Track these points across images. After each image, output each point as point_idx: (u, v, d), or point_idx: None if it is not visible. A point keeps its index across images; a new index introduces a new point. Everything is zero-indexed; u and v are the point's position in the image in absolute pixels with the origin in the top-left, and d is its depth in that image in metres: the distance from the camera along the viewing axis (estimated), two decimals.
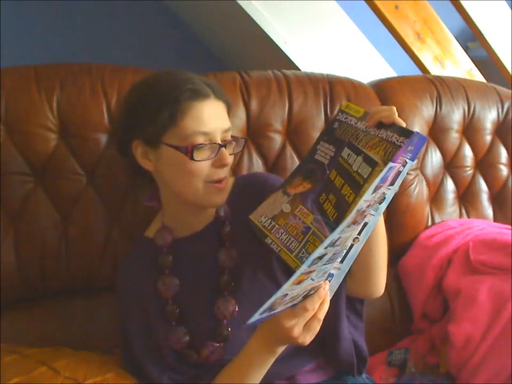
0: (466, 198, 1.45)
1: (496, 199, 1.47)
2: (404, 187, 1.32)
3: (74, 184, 1.10)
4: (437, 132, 1.39)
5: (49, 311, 1.14)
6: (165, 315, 0.94)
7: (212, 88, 0.90)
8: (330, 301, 0.80)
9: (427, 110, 1.36)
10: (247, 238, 0.94)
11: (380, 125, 0.77)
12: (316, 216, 0.77)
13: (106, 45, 2.53)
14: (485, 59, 2.18)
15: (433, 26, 2.00)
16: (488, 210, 1.46)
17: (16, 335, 1.08)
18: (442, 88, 1.40)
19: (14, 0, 2.34)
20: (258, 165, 1.21)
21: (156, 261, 0.97)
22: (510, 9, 2.10)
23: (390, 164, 0.69)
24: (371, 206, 0.73)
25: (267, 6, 1.97)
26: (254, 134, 1.21)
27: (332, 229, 0.73)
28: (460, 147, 1.42)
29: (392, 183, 0.74)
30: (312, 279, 0.73)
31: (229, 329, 0.93)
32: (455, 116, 1.40)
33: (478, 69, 2.12)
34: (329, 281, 0.79)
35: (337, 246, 0.72)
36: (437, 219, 1.39)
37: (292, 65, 2.04)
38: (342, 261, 0.79)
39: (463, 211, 1.44)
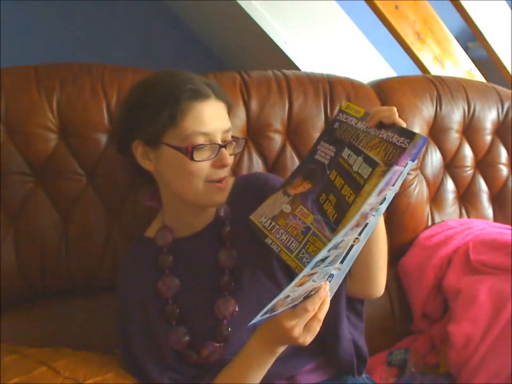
0: (466, 198, 1.45)
1: (496, 199, 1.47)
2: (404, 187, 1.32)
3: (74, 184, 1.10)
4: (437, 132, 1.39)
5: (49, 311, 1.14)
6: (165, 315, 0.94)
7: (212, 89, 0.90)
8: (331, 301, 0.80)
9: (427, 110, 1.36)
10: (247, 238, 0.94)
11: (380, 125, 0.77)
12: (316, 216, 0.77)
13: (106, 45, 2.53)
14: (485, 59, 2.18)
15: (433, 26, 2.00)
16: (488, 210, 1.46)
17: (16, 335, 1.08)
18: (442, 88, 1.40)
19: (14, 0, 2.34)
20: (258, 165, 1.21)
21: (156, 261, 0.97)
22: (510, 9, 2.10)
23: (395, 168, 0.69)
24: (374, 208, 0.73)
25: (267, 6, 1.97)
26: (254, 134, 1.21)
27: (332, 229, 0.73)
28: (460, 147, 1.42)
29: (392, 184, 0.74)
30: (314, 281, 0.73)
31: (229, 329, 0.93)
32: (455, 116, 1.40)
33: (478, 69, 2.12)
34: (330, 281, 0.79)
35: (339, 248, 0.72)
36: (437, 219, 1.39)
37: (291, 65, 2.04)
38: (342, 261, 0.79)
39: (463, 211, 1.44)
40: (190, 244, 0.98)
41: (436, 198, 1.40)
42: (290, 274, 0.95)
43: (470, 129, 1.43)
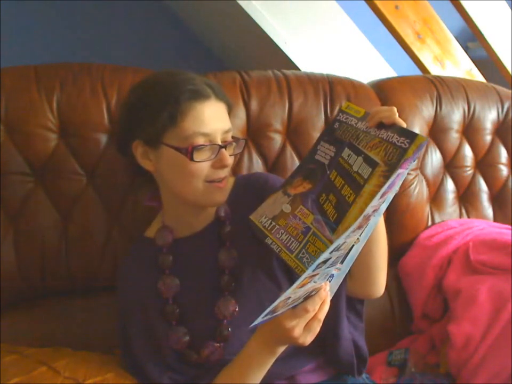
0: (466, 198, 1.45)
1: (496, 199, 1.47)
2: (404, 187, 1.32)
3: (74, 184, 1.10)
4: (437, 132, 1.39)
5: (49, 311, 1.14)
6: (165, 315, 0.94)
7: (212, 89, 0.90)
8: (331, 301, 0.80)
9: (427, 110, 1.36)
10: (247, 238, 0.94)
11: (380, 125, 0.77)
12: (316, 216, 0.77)
13: (106, 45, 2.53)
14: (485, 59, 2.18)
15: (433, 26, 2.00)
16: (488, 210, 1.46)
17: (16, 335, 1.08)
18: (442, 88, 1.40)
19: (14, 0, 2.34)
20: (258, 165, 1.21)
21: (156, 261, 0.97)
22: (510, 9, 2.10)
23: (398, 170, 0.69)
24: (376, 210, 0.73)
25: (267, 6, 1.97)
26: (254, 134, 1.21)
27: (332, 229, 0.73)
28: (460, 147, 1.42)
29: (395, 186, 0.74)
30: (315, 282, 0.73)
31: (229, 329, 0.93)
32: (455, 116, 1.40)
33: (478, 69, 2.12)
34: (330, 281, 0.79)
35: (341, 250, 0.72)
36: (437, 219, 1.39)
37: (291, 65, 2.04)
38: (342, 262, 0.79)
39: (463, 211, 1.44)
40: (190, 243, 0.98)
41: (435, 198, 1.40)
42: (290, 275, 0.95)
43: (470, 129, 1.43)
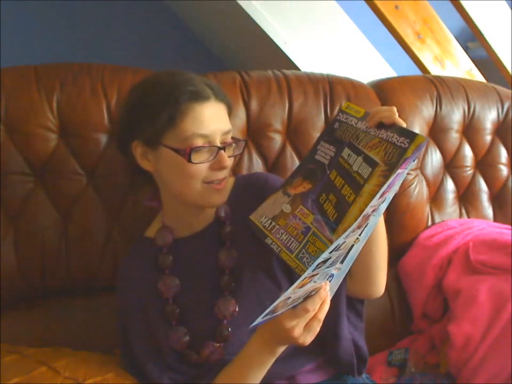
0: (466, 198, 1.45)
1: (496, 199, 1.47)
2: (404, 187, 1.32)
3: (74, 184, 1.10)
4: (437, 132, 1.39)
5: (49, 311, 1.14)
6: (165, 315, 0.94)
7: (212, 90, 0.89)
8: (331, 301, 0.80)
9: (427, 110, 1.36)
10: (247, 238, 0.94)
11: (380, 125, 0.77)
12: (316, 216, 0.77)
13: (106, 45, 2.53)
14: (485, 59, 2.18)
15: (433, 26, 2.00)
16: (488, 210, 1.46)
17: (16, 335, 1.08)
18: (442, 88, 1.40)
19: (14, 0, 2.34)
20: (258, 165, 1.21)
21: (156, 261, 0.97)
22: (510, 9, 2.10)
23: (398, 170, 0.69)
24: (376, 210, 0.73)
25: (267, 6, 1.97)
26: (254, 134, 1.21)
27: (332, 229, 0.73)
28: (460, 147, 1.42)
29: (394, 186, 0.74)
30: (315, 282, 0.73)
31: (229, 329, 0.92)
32: (455, 116, 1.40)
33: (478, 69, 2.12)
34: (330, 281, 0.79)
35: (341, 250, 0.72)
36: (437, 219, 1.39)
37: (291, 65, 2.04)
38: (342, 261, 0.79)
39: (463, 211, 1.44)
40: (190, 244, 0.98)
41: (436, 198, 1.40)
42: (290, 275, 0.95)
43: (470, 129, 1.43)
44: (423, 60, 1.99)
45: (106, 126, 1.10)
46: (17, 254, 1.08)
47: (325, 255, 0.69)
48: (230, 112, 0.95)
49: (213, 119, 0.87)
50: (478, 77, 2.10)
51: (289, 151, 1.23)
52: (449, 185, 1.42)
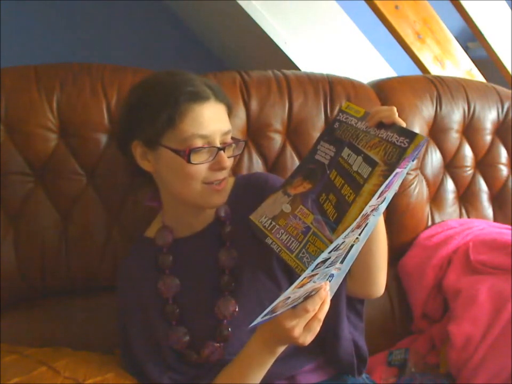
0: (466, 198, 1.45)
1: (496, 199, 1.47)
2: (404, 187, 1.32)
3: (74, 184, 1.10)
4: (437, 132, 1.39)
5: (49, 311, 1.14)
6: (165, 315, 0.94)
7: (212, 90, 0.89)
8: (331, 301, 0.80)
9: (427, 110, 1.36)
10: (247, 238, 0.94)
11: (380, 125, 0.77)
12: (316, 216, 0.77)
13: (106, 45, 2.53)
14: (485, 59, 2.18)
15: (433, 26, 2.00)
16: (488, 210, 1.46)
17: (16, 335, 1.08)
18: (442, 88, 1.40)
19: (14, 0, 2.34)
20: (258, 165, 1.21)
21: (156, 261, 0.97)
22: (510, 9, 2.10)
23: (396, 170, 0.69)
24: (375, 209, 0.73)
25: (267, 6, 1.97)
26: (254, 134, 1.21)
27: (332, 229, 0.73)
28: (460, 147, 1.42)
29: (393, 185, 0.74)
30: (314, 282, 0.73)
31: (229, 329, 0.92)
32: (455, 116, 1.40)
33: (478, 69, 2.12)
34: (330, 281, 0.79)
35: (340, 249, 0.72)
36: (437, 219, 1.39)
37: (291, 65, 2.04)
38: (342, 261, 0.79)
39: (463, 211, 1.44)
40: (190, 243, 0.98)
41: (436, 198, 1.40)
42: (290, 275, 0.95)
43: (470, 129, 1.43)
44: (423, 60, 1.99)
45: (106, 126, 1.10)
46: (17, 254, 1.08)
47: (324, 255, 0.69)
48: (230, 113, 0.95)
49: (212, 120, 0.87)
50: (478, 77, 2.10)
51: (289, 151, 1.23)
52: (449, 185, 1.42)
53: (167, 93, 0.86)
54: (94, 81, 1.11)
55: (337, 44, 2.10)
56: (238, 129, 1.18)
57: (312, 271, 0.69)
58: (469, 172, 1.44)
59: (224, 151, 0.88)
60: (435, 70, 2.01)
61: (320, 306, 0.78)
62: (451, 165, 1.42)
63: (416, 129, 1.33)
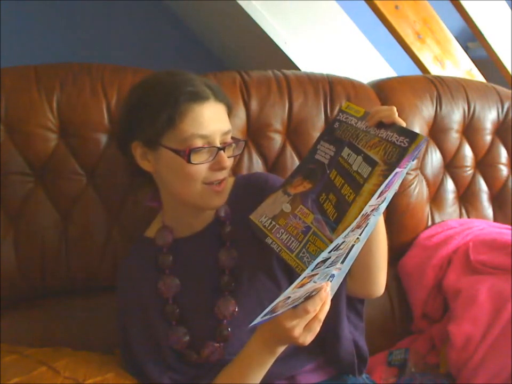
0: (466, 198, 1.45)
1: (496, 199, 1.47)
2: (404, 187, 1.32)
3: (74, 184, 1.10)
4: (437, 132, 1.39)
5: (49, 311, 1.14)
6: (165, 315, 0.94)
7: (212, 90, 0.89)
8: (331, 301, 0.80)
9: (427, 110, 1.36)
10: (247, 238, 0.94)
11: (380, 125, 0.77)
12: (316, 215, 0.77)
13: (106, 45, 2.53)
14: (485, 59, 2.18)
15: (433, 26, 2.00)
16: (488, 210, 1.46)
17: (16, 335, 1.08)
18: (442, 88, 1.40)
19: (14, 0, 2.34)
20: (258, 165, 1.21)
21: (156, 261, 0.97)
22: (510, 9, 2.10)
23: (396, 169, 0.69)
24: (375, 209, 0.73)
25: (267, 6, 1.97)
26: (254, 134, 1.21)
27: (332, 229, 0.73)
28: (460, 147, 1.42)
29: (393, 185, 0.74)
30: (315, 282, 0.73)
31: (229, 329, 0.92)
32: (455, 116, 1.40)
33: (478, 69, 2.12)
34: (330, 281, 0.79)
35: (340, 249, 0.72)
36: (437, 219, 1.39)
37: (291, 65, 2.04)
38: (342, 261, 0.79)
39: (463, 211, 1.44)
40: (190, 244, 0.98)
41: (436, 198, 1.40)
42: (290, 274, 0.95)
43: (470, 129, 1.43)
44: (423, 60, 1.99)
45: (106, 126, 1.10)
46: (17, 254, 1.08)
47: (324, 255, 0.69)
48: (230, 112, 0.95)
49: (212, 120, 0.87)
50: (478, 77, 2.10)
51: (289, 151, 1.23)
52: (449, 185, 1.42)
53: (167, 93, 0.86)
54: (94, 81, 1.11)
55: (337, 44, 2.10)
56: (238, 129, 1.18)
57: (312, 270, 0.69)
58: (469, 172, 1.44)
59: (224, 151, 0.88)
60: (435, 70, 2.01)
61: (321, 307, 0.77)
62: (451, 165, 1.42)
63: (416, 129, 1.33)
